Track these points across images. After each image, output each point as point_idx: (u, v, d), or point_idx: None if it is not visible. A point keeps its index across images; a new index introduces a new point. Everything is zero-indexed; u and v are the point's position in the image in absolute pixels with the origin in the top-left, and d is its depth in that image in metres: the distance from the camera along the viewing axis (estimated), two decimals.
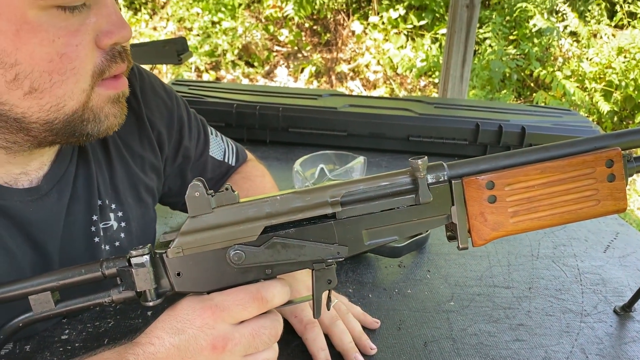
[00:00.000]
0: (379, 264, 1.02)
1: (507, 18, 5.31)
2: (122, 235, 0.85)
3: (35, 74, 0.59)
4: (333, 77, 5.68)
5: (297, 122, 1.68)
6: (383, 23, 5.72)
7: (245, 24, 5.75)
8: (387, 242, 0.62)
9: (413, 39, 5.64)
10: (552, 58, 5.26)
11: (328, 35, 5.91)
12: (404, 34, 5.63)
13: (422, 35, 5.58)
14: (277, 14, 5.82)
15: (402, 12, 5.64)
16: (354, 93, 5.43)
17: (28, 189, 0.73)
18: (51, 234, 0.76)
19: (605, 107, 4.67)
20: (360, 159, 1.26)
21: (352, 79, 5.70)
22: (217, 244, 0.59)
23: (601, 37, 5.17)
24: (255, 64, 5.75)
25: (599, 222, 1.22)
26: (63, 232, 0.77)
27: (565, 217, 0.62)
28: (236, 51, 5.65)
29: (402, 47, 5.57)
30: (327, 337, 0.78)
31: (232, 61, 5.66)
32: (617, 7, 5.24)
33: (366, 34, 5.80)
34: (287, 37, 5.87)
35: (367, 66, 5.68)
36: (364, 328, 0.82)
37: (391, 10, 5.67)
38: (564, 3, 5.17)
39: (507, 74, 5.13)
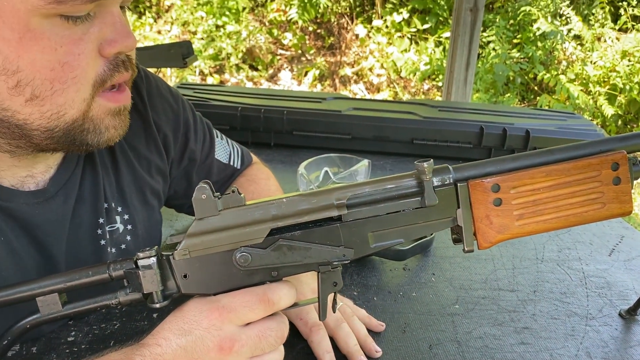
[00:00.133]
0: (383, 267, 1.02)
1: (511, 22, 5.32)
2: (128, 237, 0.86)
3: (37, 82, 0.60)
4: (336, 81, 5.69)
5: (302, 125, 1.69)
6: (387, 27, 5.73)
7: (249, 28, 5.76)
8: (393, 245, 0.63)
9: (417, 43, 5.64)
10: (556, 61, 5.25)
11: (332, 38, 5.92)
12: (408, 38, 5.64)
13: (426, 39, 5.59)
14: (281, 17, 5.84)
15: (406, 15, 5.65)
16: (357, 96, 5.43)
17: (34, 191, 0.74)
18: (57, 236, 0.76)
19: (609, 110, 4.67)
20: (365, 162, 1.26)
21: (356, 82, 5.71)
22: (223, 246, 0.59)
23: (605, 41, 5.17)
24: (259, 67, 5.77)
25: (604, 225, 1.22)
26: (69, 234, 0.78)
27: (570, 220, 0.62)
28: (240, 55, 5.66)
29: (405, 50, 5.57)
30: (332, 340, 0.78)
31: (236, 65, 5.67)
32: (621, 11, 5.24)
33: (370, 37, 5.80)
34: (290, 40, 5.89)
35: (370, 69, 5.69)
36: (369, 331, 0.82)
37: (395, 13, 5.68)
38: (568, 7, 5.16)
39: (511, 78, 5.13)
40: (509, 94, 5.12)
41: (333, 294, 0.64)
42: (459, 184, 0.60)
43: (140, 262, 0.59)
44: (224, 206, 0.59)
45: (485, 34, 5.13)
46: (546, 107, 4.69)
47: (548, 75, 4.97)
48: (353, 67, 5.77)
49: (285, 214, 0.60)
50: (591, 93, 4.92)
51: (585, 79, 5.00)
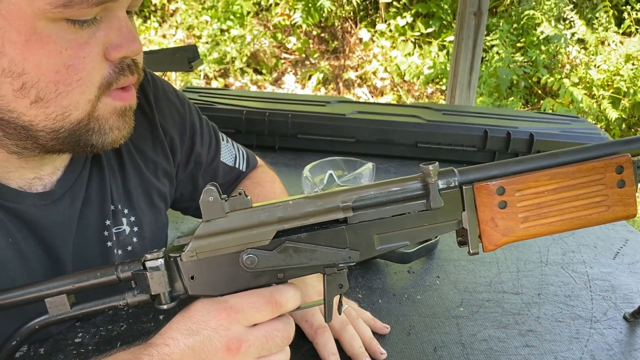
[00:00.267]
0: (388, 269, 1.03)
1: (515, 25, 5.32)
2: (135, 240, 0.86)
3: (42, 84, 0.60)
4: (340, 84, 5.70)
5: (306, 129, 1.69)
6: (390, 31, 5.74)
7: (254, 32, 5.78)
8: (398, 247, 0.63)
9: (420, 46, 5.65)
10: (559, 65, 5.25)
11: (335, 42, 5.93)
12: (412, 42, 5.64)
13: (430, 43, 5.59)
14: (285, 21, 5.86)
15: (410, 19, 5.66)
16: (361, 100, 5.44)
17: (42, 193, 0.74)
18: (64, 238, 0.77)
19: (613, 114, 4.66)
20: (369, 165, 1.27)
21: (360, 86, 5.72)
22: (230, 248, 0.60)
23: (609, 45, 5.16)
24: (264, 71, 5.78)
25: (608, 228, 1.22)
26: (76, 236, 0.78)
27: (575, 222, 0.62)
28: (244, 58, 5.68)
29: (409, 54, 5.58)
30: (338, 342, 0.79)
31: (241, 68, 5.69)
32: (625, 15, 5.24)
33: (373, 41, 5.82)
34: (294, 44, 5.90)
35: (374, 73, 5.69)
36: (374, 333, 0.82)
37: (398, 17, 5.69)
38: (572, 10, 5.17)
39: (515, 81, 5.13)
40: (512, 98, 5.12)
41: (339, 296, 0.65)
42: (464, 187, 0.61)
43: (148, 264, 0.60)
44: (231, 208, 0.60)
45: (488, 38, 5.13)
46: (550, 111, 4.68)
47: (552, 79, 4.97)
48: (357, 70, 5.78)
49: (292, 216, 0.60)
50: (595, 97, 4.91)
51: (589, 82, 5.00)
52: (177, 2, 5.96)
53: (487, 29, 4.94)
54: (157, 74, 0.97)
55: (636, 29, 5.19)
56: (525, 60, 5.18)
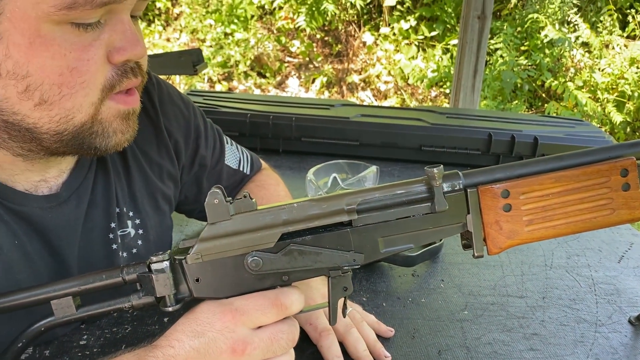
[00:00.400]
0: (392, 273, 1.03)
1: (519, 29, 5.32)
2: (140, 242, 0.87)
3: (46, 87, 0.60)
4: (344, 88, 5.71)
5: (310, 132, 1.70)
6: (394, 34, 5.75)
7: (258, 36, 5.80)
8: (403, 250, 0.63)
9: (424, 50, 5.65)
10: (563, 69, 5.24)
11: (339, 46, 5.94)
12: (415, 45, 5.65)
13: (433, 46, 5.60)
14: (289, 25, 5.87)
15: (413, 23, 5.67)
16: (365, 103, 5.44)
17: (47, 195, 0.75)
18: (69, 240, 0.77)
19: (617, 117, 4.65)
20: (373, 168, 1.27)
21: (363, 89, 5.72)
22: (235, 251, 0.60)
23: (613, 48, 5.16)
24: (267, 74, 5.79)
25: (612, 232, 1.21)
26: (81, 238, 0.79)
27: (579, 225, 0.62)
28: (248, 62, 5.69)
29: (413, 57, 5.58)
30: (342, 345, 0.79)
31: (245, 72, 5.70)
32: (629, 18, 5.23)
33: (377, 44, 5.82)
34: (298, 48, 5.91)
35: (378, 76, 5.70)
36: (378, 336, 0.82)
37: (402, 21, 5.70)
38: (576, 14, 5.16)
39: (519, 85, 5.13)
40: (516, 101, 5.12)
41: (343, 298, 0.65)
42: (468, 190, 0.61)
43: (154, 266, 0.60)
44: (236, 211, 0.60)
45: (492, 41, 5.13)
46: (554, 114, 4.68)
47: (556, 82, 4.97)
48: (360, 74, 5.78)
49: (296, 219, 0.60)
50: (599, 100, 4.90)
51: (593, 86, 4.99)
52: (181, 5, 5.98)
53: (491, 33, 4.94)
54: (162, 77, 0.97)
55: None
56: (530, 63, 5.17)
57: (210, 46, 5.73)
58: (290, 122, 1.69)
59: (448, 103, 4.76)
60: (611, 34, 5.16)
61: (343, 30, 5.96)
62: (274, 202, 0.62)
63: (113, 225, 0.82)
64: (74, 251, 0.77)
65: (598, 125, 4.53)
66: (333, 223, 0.61)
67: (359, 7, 5.60)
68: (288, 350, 0.62)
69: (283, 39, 5.91)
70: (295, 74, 5.89)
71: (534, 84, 5.22)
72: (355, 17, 5.92)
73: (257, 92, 5.68)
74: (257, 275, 0.61)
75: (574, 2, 5.16)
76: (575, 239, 1.17)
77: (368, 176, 1.26)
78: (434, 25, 5.62)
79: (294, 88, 5.75)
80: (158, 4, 5.91)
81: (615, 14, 5.20)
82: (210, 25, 5.82)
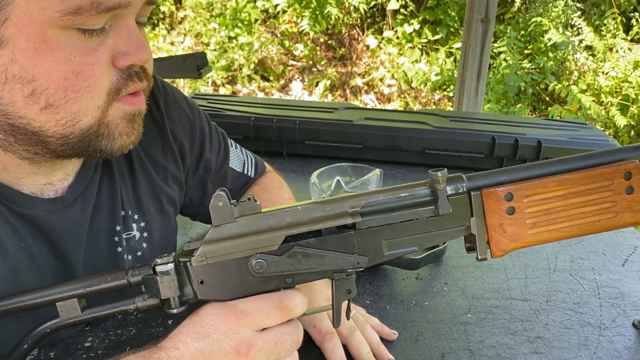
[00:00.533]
0: (396, 276, 1.03)
1: (522, 32, 5.31)
2: (144, 245, 0.87)
3: (51, 90, 0.61)
4: (347, 91, 5.71)
5: (314, 135, 1.70)
6: (397, 37, 5.75)
7: (261, 39, 5.81)
8: (407, 253, 0.63)
9: (428, 53, 5.66)
10: (567, 72, 5.24)
11: (343, 49, 5.95)
12: (419, 48, 5.65)
13: (437, 50, 5.60)
14: (293, 29, 5.88)
15: (417, 26, 5.67)
16: (368, 107, 5.45)
17: (53, 198, 0.75)
18: (75, 243, 0.77)
19: (621, 121, 4.64)
20: (377, 171, 1.27)
21: (367, 92, 5.73)
22: (239, 253, 0.60)
23: (617, 51, 5.15)
24: (271, 78, 5.81)
25: (616, 235, 1.21)
26: (86, 241, 0.79)
27: (583, 228, 0.62)
28: (252, 66, 5.71)
29: (416, 61, 5.59)
30: (345, 348, 0.79)
31: (248, 75, 5.72)
32: (633, 21, 5.22)
33: (380, 48, 5.83)
34: (302, 51, 5.93)
35: (381, 80, 5.70)
36: (382, 339, 0.82)
37: (406, 24, 5.70)
38: (579, 17, 5.16)
39: (522, 88, 5.12)
40: (520, 105, 5.11)
41: (347, 301, 0.65)
42: (472, 193, 0.61)
43: (158, 268, 0.60)
44: (240, 213, 0.60)
45: (496, 45, 5.13)
46: (558, 118, 4.67)
47: (559, 85, 4.96)
48: (364, 77, 5.79)
49: (300, 222, 0.61)
50: (603, 104, 4.90)
51: (597, 89, 4.98)
52: (185, 9, 6.00)
53: (495, 36, 4.94)
54: (167, 80, 0.98)
55: None
56: (533, 67, 5.17)
57: (215, 50, 5.75)
58: (294, 125, 1.69)
59: (451, 106, 4.76)
60: (615, 37, 5.16)
61: (346, 34, 5.97)
62: (278, 205, 0.62)
63: (118, 228, 0.83)
64: (79, 254, 0.78)
65: (602, 129, 4.52)
66: (337, 226, 0.62)
67: (362, 10, 5.61)
68: (292, 352, 0.62)
69: (287, 43, 5.92)
70: (298, 78, 5.90)
71: (537, 88, 5.21)
72: (358, 20, 5.93)
73: (261, 95, 5.69)
74: (261, 278, 0.61)
75: (578, 5, 5.16)
76: (579, 242, 1.17)
77: (372, 179, 1.26)
78: (438, 29, 5.62)
79: (298, 91, 5.76)
80: (162, 8, 5.93)
81: (619, 17, 5.20)
82: (214, 29, 5.84)
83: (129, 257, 0.85)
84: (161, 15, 6.04)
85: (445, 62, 5.48)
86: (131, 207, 0.85)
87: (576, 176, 0.61)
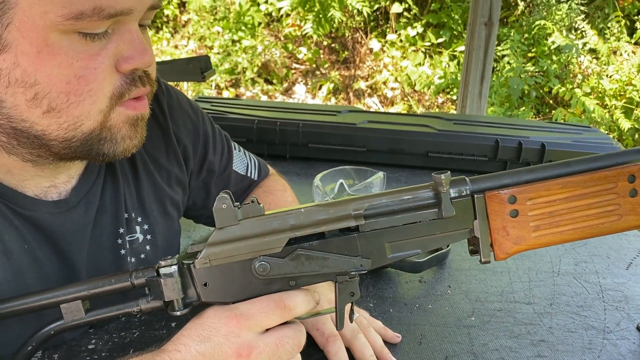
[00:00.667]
0: (399, 279, 1.03)
1: (526, 35, 5.31)
2: (148, 247, 0.87)
3: (53, 94, 0.61)
4: (351, 94, 5.72)
5: (317, 138, 1.70)
6: (401, 41, 5.76)
7: (265, 43, 5.82)
8: (410, 256, 0.63)
9: (431, 56, 5.66)
10: (571, 75, 5.23)
11: (346, 53, 5.96)
12: (422, 52, 5.65)
13: (440, 53, 5.60)
14: (296, 32, 5.89)
15: (420, 30, 5.68)
16: (371, 110, 5.45)
17: (57, 201, 0.75)
18: (78, 245, 0.78)
19: (626, 124, 4.62)
20: (380, 174, 1.27)
21: (370, 95, 5.73)
22: (243, 255, 0.61)
23: (621, 54, 5.14)
24: (274, 81, 5.82)
25: (620, 239, 1.21)
26: (90, 244, 0.79)
27: (586, 231, 0.62)
28: (255, 69, 5.72)
29: (420, 64, 5.59)
30: (349, 351, 0.79)
31: (252, 79, 5.73)
32: (637, 24, 5.21)
33: (384, 51, 5.83)
34: (305, 55, 5.93)
35: (384, 83, 5.70)
36: (385, 342, 0.82)
37: (409, 28, 5.71)
38: (583, 20, 5.15)
39: (526, 91, 5.12)
40: (524, 108, 5.10)
41: (350, 304, 0.65)
42: (475, 196, 0.61)
43: (162, 270, 0.61)
44: (244, 216, 0.60)
45: (499, 48, 5.13)
46: (561, 121, 4.66)
47: (563, 88, 4.95)
48: (367, 80, 5.79)
49: (304, 224, 0.61)
50: (607, 107, 4.88)
51: (601, 92, 4.97)
52: (189, 13, 6.02)
53: (498, 39, 4.94)
54: (170, 84, 0.98)
55: None
56: (537, 70, 5.16)
57: (218, 53, 5.76)
58: (297, 128, 1.70)
59: (455, 110, 4.75)
60: (619, 41, 5.15)
61: (350, 37, 5.98)
62: (281, 208, 0.63)
63: (121, 230, 0.83)
64: (82, 256, 0.78)
65: (606, 132, 4.51)
66: (340, 228, 0.62)
67: (365, 14, 5.62)
68: (294, 355, 0.62)
69: (290, 46, 5.93)
70: (302, 81, 5.91)
71: (541, 91, 5.21)
72: (362, 24, 5.94)
73: (264, 98, 5.70)
74: (265, 280, 0.61)
75: (581, 8, 5.15)
76: (583, 246, 1.17)
77: (375, 182, 1.26)
78: (441, 32, 5.62)
79: (301, 94, 5.76)
80: (166, 12, 5.95)
81: (623, 21, 5.19)
82: (218, 33, 5.85)
83: (133, 259, 0.85)
84: (165, 19, 6.06)
85: (449, 65, 5.48)
86: (135, 210, 0.85)
87: (580, 179, 0.61)
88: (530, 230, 0.61)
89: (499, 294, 0.98)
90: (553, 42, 5.02)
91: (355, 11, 5.68)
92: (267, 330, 0.61)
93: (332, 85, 5.70)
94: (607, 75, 5.03)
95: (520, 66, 5.04)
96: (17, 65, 0.59)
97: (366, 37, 5.94)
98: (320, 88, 5.75)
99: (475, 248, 0.63)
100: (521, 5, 5.46)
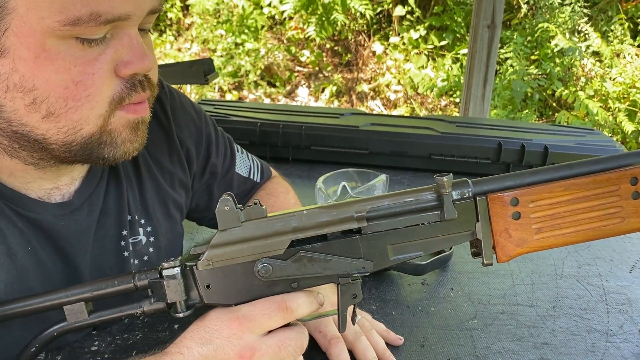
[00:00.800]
0: (402, 281, 1.03)
1: (529, 38, 5.31)
2: (151, 249, 0.87)
3: (51, 99, 0.61)
4: (354, 97, 5.72)
5: (320, 140, 1.70)
6: (404, 44, 5.76)
7: (268, 45, 5.84)
8: (412, 258, 0.63)
9: (434, 59, 5.66)
10: (574, 78, 5.22)
11: (349, 55, 5.96)
12: (425, 54, 5.66)
13: (443, 56, 5.60)
14: (299, 35, 5.90)
15: (423, 32, 5.68)
16: (374, 112, 5.45)
17: (60, 203, 0.76)
18: (81, 247, 0.78)
19: (629, 127, 4.61)
20: (382, 176, 1.27)
21: (373, 98, 5.73)
22: (245, 257, 0.61)
23: (624, 57, 5.13)
24: (277, 84, 5.82)
25: (624, 241, 1.21)
26: (93, 246, 0.79)
27: (589, 234, 0.62)
28: (258, 72, 5.73)
29: (422, 67, 5.59)
30: (351, 353, 0.79)
31: (255, 81, 5.74)
32: None
33: (387, 54, 5.84)
34: (308, 57, 5.94)
35: (387, 86, 5.71)
36: (388, 345, 0.82)
37: (412, 30, 5.71)
38: (586, 23, 5.15)
39: (529, 94, 5.11)
40: (527, 110, 5.10)
41: (352, 306, 0.65)
42: (478, 198, 0.61)
43: (165, 272, 0.61)
44: (246, 218, 0.60)
45: (502, 51, 5.13)
46: (565, 124, 4.65)
47: (566, 91, 4.94)
48: (370, 83, 5.80)
49: (306, 226, 0.61)
50: (611, 109, 4.88)
51: (604, 95, 4.96)
52: (192, 16, 6.04)
53: (501, 42, 4.93)
54: (174, 86, 0.98)
55: None
56: (540, 72, 5.16)
57: (221, 56, 5.78)
58: (300, 130, 1.70)
59: (458, 112, 4.75)
60: (622, 43, 5.14)
61: (353, 40, 5.99)
62: (283, 210, 0.63)
63: (125, 232, 0.83)
64: (86, 258, 0.78)
65: (609, 135, 4.50)
66: (342, 230, 0.62)
67: (368, 17, 5.63)
68: (296, 357, 0.62)
69: (293, 49, 5.94)
70: (305, 84, 5.92)
71: (544, 94, 5.20)
72: (364, 26, 5.94)
73: (267, 101, 5.71)
74: (267, 282, 0.61)
75: (585, 11, 5.15)
76: (586, 248, 1.17)
77: (377, 185, 1.26)
78: (444, 35, 5.62)
79: (304, 97, 5.77)
80: (170, 15, 5.97)
81: (627, 23, 5.18)
82: (221, 36, 5.87)
83: (136, 261, 0.85)
84: (168, 22, 6.08)
85: (452, 68, 5.48)
86: (138, 212, 0.86)
87: (582, 181, 0.60)
88: (532, 232, 0.61)
89: (502, 296, 0.98)
90: (556, 45, 5.01)
91: (358, 14, 5.69)
92: (270, 332, 0.61)
93: (335, 88, 5.71)
94: (610, 78, 5.02)
95: (523, 69, 5.04)
96: (15, 71, 0.59)
97: (369, 40, 5.95)
98: (323, 91, 5.75)
99: (477, 250, 0.63)
100: (524, 7, 5.46)
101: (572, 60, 5.13)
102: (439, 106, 5.58)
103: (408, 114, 5.38)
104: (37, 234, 0.73)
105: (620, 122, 4.69)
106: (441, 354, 0.82)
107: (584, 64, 5.22)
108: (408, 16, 5.74)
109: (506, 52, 5.15)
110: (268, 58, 5.79)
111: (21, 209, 0.71)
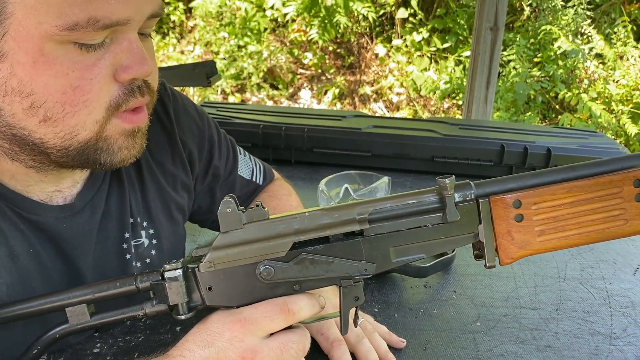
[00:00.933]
0: (404, 284, 1.03)
1: (532, 40, 5.30)
2: (153, 252, 0.87)
3: (49, 104, 0.61)
4: (356, 99, 5.72)
5: (322, 143, 1.70)
6: (406, 46, 5.76)
7: (271, 48, 5.84)
8: (414, 260, 0.63)
9: (437, 62, 5.66)
10: (577, 80, 5.22)
11: (351, 58, 5.97)
12: (428, 57, 5.66)
13: (446, 58, 5.60)
14: (302, 38, 5.91)
15: (426, 35, 5.68)
16: (377, 114, 5.45)
17: (62, 205, 0.76)
18: (84, 249, 0.78)
19: (632, 129, 4.60)
20: (385, 179, 1.27)
21: (375, 100, 5.73)
22: (247, 259, 0.61)
23: (627, 59, 5.12)
24: (280, 86, 5.83)
25: (627, 244, 1.20)
26: (95, 248, 0.79)
27: (592, 236, 0.62)
28: (261, 74, 5.74)
29: (425, 69, 5.59)
30: (353, 356, 0.78)
31: (257, 84, 5.74)
32: None
33: (389, 56, 5.84)
34: (311, 60, 5.95)
35: (390, 88, 5.71)
36: (390, 347, 0.82)
37: (414, 33, 5.71)
38: (589, 25, 5.14)
39: (532, 96, 5.11)
40: (530, 113, 5.09)
41: (355, 308, 0.65)
42: (480, 200, 0.61)
43: (167, 274, 0.61)
44: (248, 220, 0.60)
45: (505, 53, 5.12)
46: (568, 126, 4.64)
47: (569, 93, 4.94)
48: (372, 85, 5.80)
49: (308, 228, 0.61)
50: (614, 112, 4.87)
51: (607, 97, 4.95)
52: (195, 19, 6.05)
53: (504, 44, 4.93)
54: (176, 89, 0.98)
55: None
56: (543, 75, 5.15)
57: (224, 58, 5.79)
58: (302, 133, 1.70)
59: (460, 115, 4.75)
60: (625, 45, 5.13)
61: (355, 42, 5.99)
62: (285, 212, 0.63)
63: (127, 235, 0.83)
64: (88, 261, 0.78)
65: (613, 137, 4.49)
66: (345, 232, 0.62)
67: (371, 19, 5.63)
68: (298, 359, 0.62)
69: (296, 51, 5.95)
70: (307, 86, 5.92)
71: (547, 96, 5.19)
72: (367, 29, 5.95)
73: (270, 103, 5.71)
74: (269, 284, 0.61)
75: (588, 13, 5.14)
76: (589, 251, 1.16)
77: (380, 187, 1.26)
78: (447, 37, 5.62)
79: (306, 99, 5.77)
80: (172, 17, 5.98)
81: (630, 25, 5.17)
82: (224, 38, 5.88)
83: (138, 264, 0.85)
84: (171, 25, 6.09)
85: (454, 71, 5.47)
86: (140, 215, 0.86)
87: (585, 183, 0.60)
88: (535, 234, 0.61)
89: (505, 299, 0.98)
90: (559, 47, 5.01)
91: (360, 16, 5.70)
92: (272, 334, 0.61)
93: (337, 91, 5.71)
94: (613, 80, 5.01)
95: (526, 71, 5.04)
96: (13, 75, 0.59)
97: (372, 42, 5.95)
98: (325, 93, 5.76)
99: (480, 253, 0.63)
100: (527, 10, 5.46)
101: (575, 63, 5.12)
102: (441, 108, 5.58)
103: (411, 117, 5.37)
104: (39, 236, 0.73)
105: (624, 125, 4.68)
106: (444, 356, 0.82)
107: (587, 66, 5.21)
108: (411, 18, 5.75)
109: (509, 55, 5.14)
110: (271, 60, 5.80)
111: (23, 211, 0.72)
